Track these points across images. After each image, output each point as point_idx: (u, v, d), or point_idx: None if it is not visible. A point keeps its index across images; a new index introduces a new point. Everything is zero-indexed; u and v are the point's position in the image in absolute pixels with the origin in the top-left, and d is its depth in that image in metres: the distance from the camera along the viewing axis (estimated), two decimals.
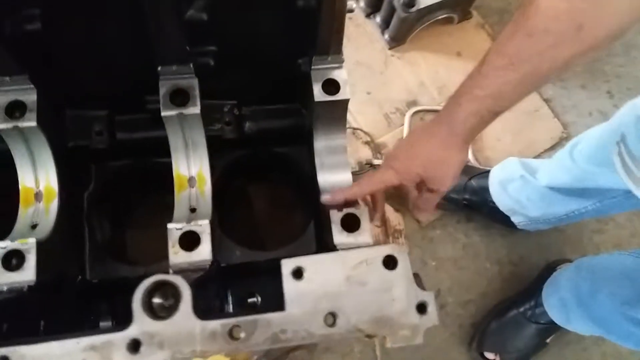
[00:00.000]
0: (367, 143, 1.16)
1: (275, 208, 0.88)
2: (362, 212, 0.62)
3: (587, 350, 1.10)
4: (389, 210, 1.07)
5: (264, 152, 0.82)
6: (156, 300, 0.42)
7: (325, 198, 0.65)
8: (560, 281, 0.98)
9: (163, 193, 0.71)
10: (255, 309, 0.86)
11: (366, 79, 1.23)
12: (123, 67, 0.68)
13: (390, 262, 0.43)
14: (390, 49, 1.26)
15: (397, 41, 1.25)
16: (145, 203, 0.85)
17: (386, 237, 1.07)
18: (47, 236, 0.61)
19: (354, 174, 1.11)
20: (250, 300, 0.85)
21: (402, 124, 1.19)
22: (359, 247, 0.60)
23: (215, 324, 0.40)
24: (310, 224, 0.79)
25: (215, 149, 0.79)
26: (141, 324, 0.39)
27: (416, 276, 0.44)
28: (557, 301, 0.98)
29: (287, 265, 0.42)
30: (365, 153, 1.14)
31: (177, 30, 0.59)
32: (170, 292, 0.42)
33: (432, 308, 0.42)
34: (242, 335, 0.40)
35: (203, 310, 0.71)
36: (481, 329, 1.05)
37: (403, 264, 0.43)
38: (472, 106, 0.58)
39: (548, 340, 1.06)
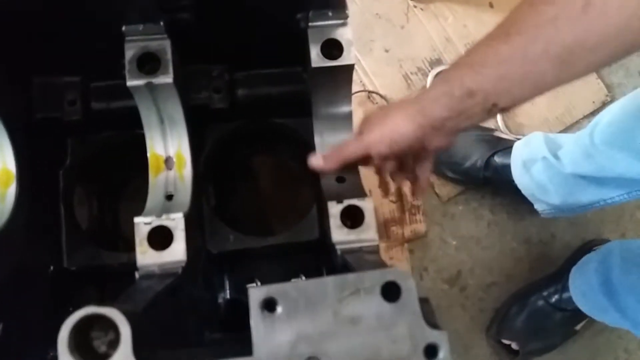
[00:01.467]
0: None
1: (273, 188, 0.78)
2: (367, 204, 0.52)
3: (623, 337, 1.00)
4: (406, 185, 0.96)
5: (260, 123, 0.72)
6: (95, 334, 0.34)
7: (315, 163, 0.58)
8: (588, 265, 0.88)
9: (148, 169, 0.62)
10: None
11: (384, 34, 1.09)
12: (89, 25, 0.58)
13: (391, 291, 0.33)
14: None
15: None
16: (129, 180, 0.77)
17: (402, 213, 0.97)
18: (2, 227, 0.53)
19: None
20: (249, 286, 0.78)
21: (424, 86, 1.06)
22: (361, 247, 0.51)
23: None
24: (313, 207, 0.69)
25: (204, 121, 0.70)
26: None
27: (425, 304, 0.34)
28: (583, 287, 0.88)
29: (256, 295, 0.33)
30: None
31: None
32: (109, 324, 0.33)
33: (444, 353, 0.32)
34: None
35: (191, 305, 0.63)
36: (501, 314, 0.96)
37: (408, 293, 0.33)
38: (449, 74, 0.48)
39: (577, 327, 0.96)
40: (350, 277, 0.33)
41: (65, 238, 0.68)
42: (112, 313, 0.31)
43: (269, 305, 0.32)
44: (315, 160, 0.58)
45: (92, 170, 0.74)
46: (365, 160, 0.57)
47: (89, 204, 0.76)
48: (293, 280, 0.34)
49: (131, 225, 0.52)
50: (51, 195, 0.67)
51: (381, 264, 0.45)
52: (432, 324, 0.33)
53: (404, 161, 0.61)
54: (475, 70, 0.45)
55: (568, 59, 0.41)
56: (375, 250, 0.50)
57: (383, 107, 0.59)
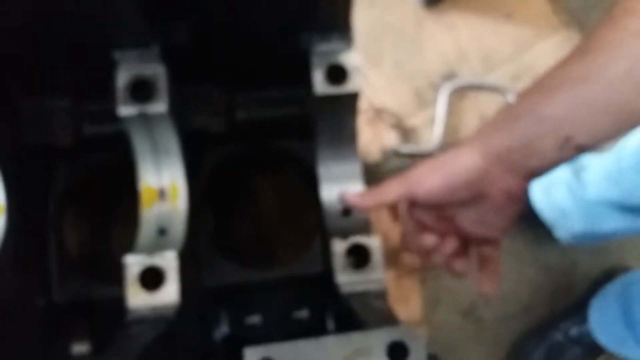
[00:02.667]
0: (393, 126, 1.00)
1: (275, 215, 0.75)
2: (374, 242, 0.48)
3: None
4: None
5: (261, 147, 0.68)
6: None
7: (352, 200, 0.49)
8: (609, 296, 0.84)
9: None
10: (254, 332, 0.76)
11: (394, 47, 1.05)
12: (80, 49, 0.55)
13: (397, 352, 0.30)
14: (425, 8, 1.07)
15: None
16: (121, 203, 0.73)
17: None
18: None
19: (376, 165, 0.96)
20: (249, 319, 0.74)
21: (436, 102, 1.02)
22: (367, 289, 0.47)
23: None
24: (317, 237, 0.65)
25: (201, 145, 0.66)
26: None
27: None
28: (603, 319, 0.84)
29: (252, 356, 0.30)
30: (391, 139, 0.98)
31: (131, 3, 0.45)
32: None
33: None
34: None
35: (184, 344, 0.60)
36: (518, 348, 0.92)
37: (416, 354, 0.30)
38: (515, 102, 0.42)
39: None
40: (353, 336, 0.30)
41: (56, 269, 0.64)
42: None
43: None
44: (353, 199, 0.50)
45: (83, 194, 0.71)
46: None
47: (80, 230, 0.73)
48: (291, 341, 0.30)
49: (123, 251, 0.49)
50: (40, 223, 0.64)
51: (388, 314, 0.41)
52: None
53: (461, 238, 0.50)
54: (544, 93, 0.39)
55: None
56: (382, 294, 0.46)
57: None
